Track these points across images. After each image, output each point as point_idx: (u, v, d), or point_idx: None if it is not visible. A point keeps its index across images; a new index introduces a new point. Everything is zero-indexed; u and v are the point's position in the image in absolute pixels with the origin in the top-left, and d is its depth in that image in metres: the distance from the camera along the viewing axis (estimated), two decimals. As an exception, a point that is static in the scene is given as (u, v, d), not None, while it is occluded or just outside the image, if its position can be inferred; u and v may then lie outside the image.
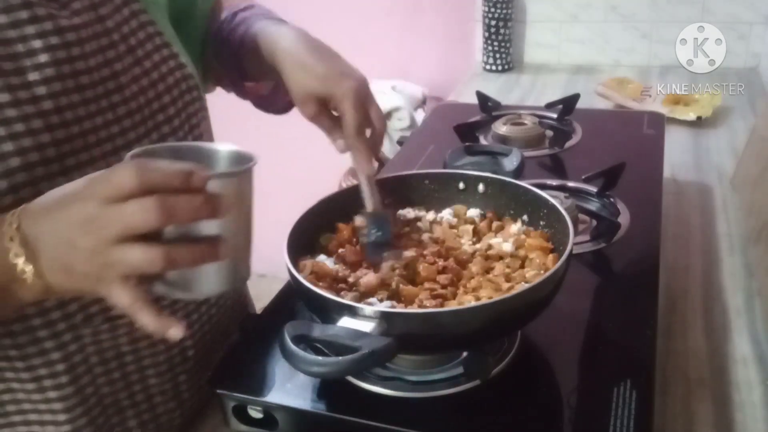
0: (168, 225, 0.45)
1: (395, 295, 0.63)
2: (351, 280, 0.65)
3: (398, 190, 0.77)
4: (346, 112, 0.66)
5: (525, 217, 0.72)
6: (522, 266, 0.67)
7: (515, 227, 0.71)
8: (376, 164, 0.71)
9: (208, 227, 0.47)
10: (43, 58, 0.56)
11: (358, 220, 0.70)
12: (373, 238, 0.68)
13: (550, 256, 0.66)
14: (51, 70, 0.57)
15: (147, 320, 0.47)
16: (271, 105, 0.86)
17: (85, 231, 0.45)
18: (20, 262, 0.47)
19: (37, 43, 0.56)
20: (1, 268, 0.48)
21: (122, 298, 0.47)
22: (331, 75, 0.67)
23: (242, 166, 0.50)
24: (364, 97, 0.67)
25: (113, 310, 0.62)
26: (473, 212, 0.75)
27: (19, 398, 0.63)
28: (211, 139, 0.78)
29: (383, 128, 0.69)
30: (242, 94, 0.86)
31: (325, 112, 0.69)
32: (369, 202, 0.70)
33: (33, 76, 0.56)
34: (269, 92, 0.84)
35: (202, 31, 0.82)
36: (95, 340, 0.64)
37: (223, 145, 0.54)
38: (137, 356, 0.67)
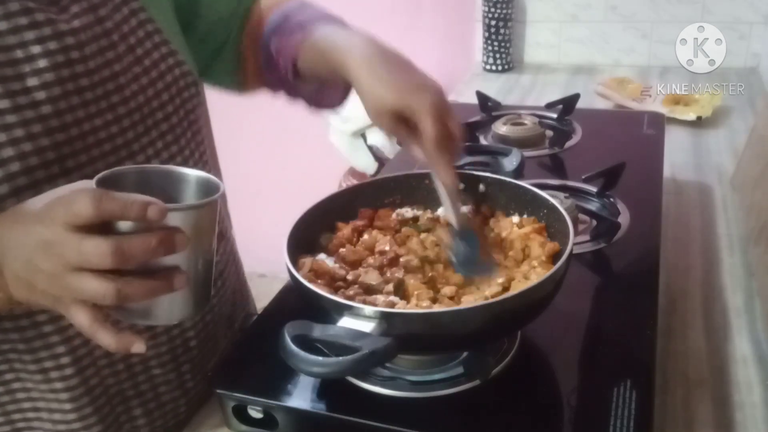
0: (123, 267, 0.45)
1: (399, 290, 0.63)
2: (350, 278, 0.65)
3: (398, 190, 0.77)
4: (426, 126, 0.63)
5: (525, 216, 0.72)
6: (523, 259, 0.67)
7: (511, 220, 0.71)
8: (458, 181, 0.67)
9: (168, 258, 0.47)
10: (42, 63, 0.57)
11: (442, 234, 0.68)
12: (462, 258, 0.66)
13: (549, 244, 0.66)
14: (50, 74, 0.57)
15: (106, 340, 0.48)
16: (320, 103, 0.84)
17: (45, 254, 0.46)
18: None
19: (36, 49, 0.56)
20: None
21: (80, 318, 0.48)
22: (407, 88, 0.64)
23: (208, 195, 0.50)
24: (442, 109, 0.64)
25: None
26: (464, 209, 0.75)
27: (28, 387, 0.65)
28: (209, 134, 0.77)
29: (463, 139, 0.67)
30: (293, 96, 0.84)
31: (401, 125, 0.65)
32: (454, 217, 0.67)
33: (32, 82, 0.56)
34: (316, 89, 0.82)
35: (224, 36, 0.80)
36: None
37: (192, 171, 0.53)
38: None
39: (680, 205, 1.04)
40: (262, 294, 0.86)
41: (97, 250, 0.44)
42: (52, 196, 0.48)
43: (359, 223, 0.73)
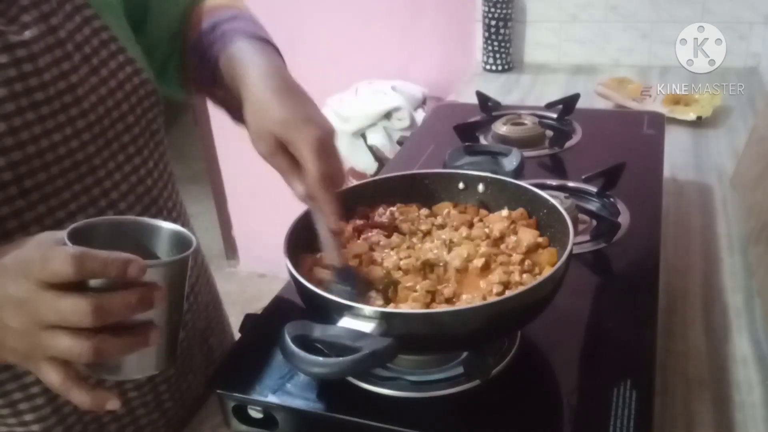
0: (100, 324, 0.44)
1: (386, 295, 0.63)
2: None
3: (398, 190, 0.77)
4: (308, 160, 0.58)
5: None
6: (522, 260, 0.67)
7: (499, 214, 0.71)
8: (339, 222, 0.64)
9: (141, 313, 0.47)
10: None
11: (321, 273, 0.65)
12: (342, 294, 0.60)
13: (540, 239, 0.67)
14: (2, 90, 0.55)
15: (80, 398, 0.47)
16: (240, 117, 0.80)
17: (15, 312, 0.45)
18: None
19: None
20: None
21: (51, 377, 0.46)
22: (293, 120, 0.59)
23: (181, 248, 0.50)
24: (327, 148, 0.60)
25: None
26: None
27: None
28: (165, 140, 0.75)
29: (343, 182, 0.63)
30: (218, 104, 0.80)
31: (282, 154, 0.61)
32: (333, 256, 0.64)
33: None
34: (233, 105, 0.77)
35: (172, 42, 0.77)
36: None
37: (164, 223, 0.53)
38: None
39: (680, 205, 1.04)
40: (262, 294, 0.86)
41: (77, 308, 0.43)
42: (19, 250, 0.46)
43: (359, 222, 0.73)
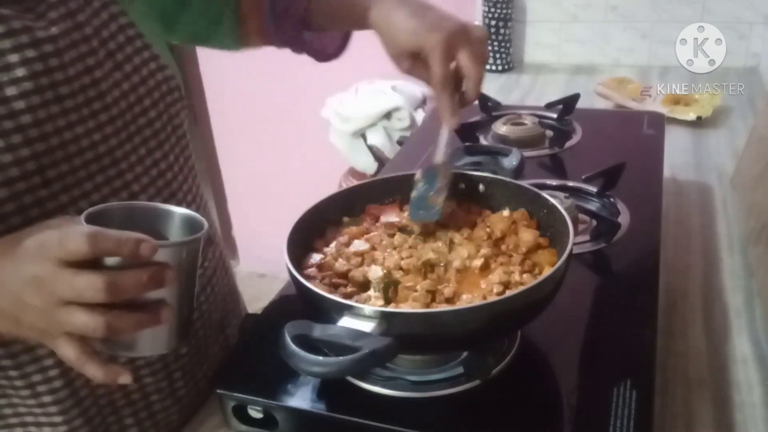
0: (114, 301, 0.46)
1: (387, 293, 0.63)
2: (356, 274, 0.65)
3: (398, 190, 0.77)
4: (432, 66, 0.67)
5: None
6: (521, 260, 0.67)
7: (501, 213, 0.72)
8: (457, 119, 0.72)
9: (154, 291, 0.49)
10: (20, 72, 0.56)
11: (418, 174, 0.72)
12: (416, 195, 0.71)
13: (540, 239, 0.67)
14: (29, 83, 0.56)
15: (94, 372, 0.49)
16: (321, 52, 0.86)
17: (34, 290, 0.47)
18: None
19: (14, 58, 0.56)
20: None
21: (67, 351, 0.49)
22: (420, 30, 0.67)
23: (193, 233, 0.52)
24: (453, 48, 0.67)
25: None
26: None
27: (14, 402, 0.64)
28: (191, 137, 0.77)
29: (479, 73, 0.68)
30: (299, 49, 0.86)
31: (418, 66, 0.69)
32: (438, 153, 0.72)
33: (10, 91, 0.55)
34: (315, 40, 0.84)
35: (220, 4, 0.81)
36: None
37: (177, 208, 0.55)
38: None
39: (680, 205, 1.04)
40: (262, 294, 0.86)
41: (91, 285, 0.45)
42: (38, 232, 0.48)
43: (366, 225, 0.73)
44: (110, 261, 0.47)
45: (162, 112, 0.68)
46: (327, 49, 0.86)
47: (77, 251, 0.45)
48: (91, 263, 0.46)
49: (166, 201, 0.69)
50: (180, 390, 0.74)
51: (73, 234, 0.46)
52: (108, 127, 0.62)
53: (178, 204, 0.70)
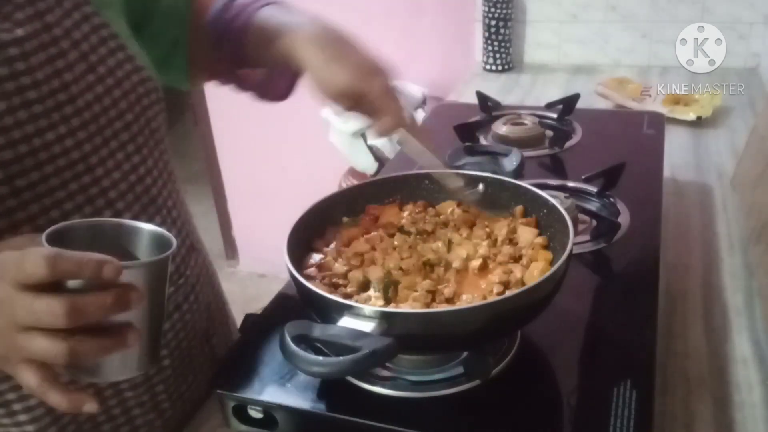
0: (75, 325, 0.44)
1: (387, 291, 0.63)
2: (356, 274, 0.65)
3: (398, 190, 0.77)
4: (389, 107, 0.67)
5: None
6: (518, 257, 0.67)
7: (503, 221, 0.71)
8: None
9: (119, 314, 0.46)
10: None
11: (453, 183, 0.73)
12: (473, 197, 0.73)
13: (539, 238, 0.67)
14: None
15: (57, 400, 0.46)
16: (268, 93, 0.82)
17: None
18: None
19: None
20: None
21: (28, 378, 0.46)
22: (361, 71, 0.66)
23: (163, 250, 0.49)
24: (392, 88, 0.67)
25: None
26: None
27: None
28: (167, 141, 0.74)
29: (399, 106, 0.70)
30: (241, 86, 0.82)
31: (361, 103, 0.68)
32: (437, 164, 0.72)
33: None
34: (263, 79, 0.81)
35: (180, 26, 0.77)
36: None
37: (145, 225, 0.53)
38: None
39: (680, 205, 1.04)
40: (262, 294, 0.85)
41: (50, 309, 0.43)
42: None
43: (365, 226, 0.73)
44: (72, 283, 0.45)
45: (139, 115, 0.65)
46: (272, 93, 0.82)
47: (35, 274, 0.43)
48: (52, 286, 0.44)
49: (145, 208, 0.67)
50: (163, 403, 0.72)
51: (31, 256, 0.43)
52: (81, 131, 0.60)
53: (158, 211, 0.69)
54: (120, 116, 0.63)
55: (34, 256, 0.43)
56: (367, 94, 0.66)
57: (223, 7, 0.76)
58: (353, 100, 0.67)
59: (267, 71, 0.80)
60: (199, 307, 0.77)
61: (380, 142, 1.81)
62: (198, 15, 0.78)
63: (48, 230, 0.47)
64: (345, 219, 0.74)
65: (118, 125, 0.63)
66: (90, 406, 0.47)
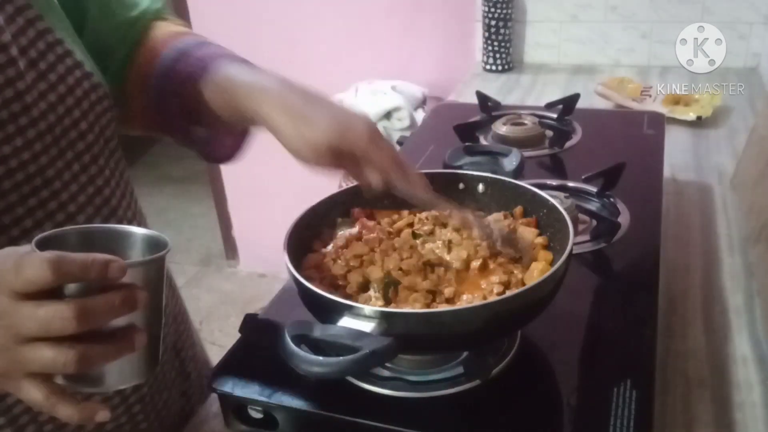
0: (87, 329, 0.42)
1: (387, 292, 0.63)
2: (355, 274, 0.65)
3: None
4: (373, 152, 0.60)
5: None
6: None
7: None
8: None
9: (123, 317, 0.45)
10: None
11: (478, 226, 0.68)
12: (501, 237, 0.67)
13: (539, 238, 0.67)
14: None
15: (68, 413, 0.44)
16: (213, 152, 0.75)
17: None
18: None
19: None
20: None
21: (33, 394, 0.44)
22: (340, 123, 0.60)
23: (156, 251, 0.48)
24: (378, 136, 0.61)
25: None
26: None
27: None
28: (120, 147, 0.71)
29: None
30: (184, 141, 0.74)
31: (344, 159, 0.61)
32: (477, 224, 0.67)
33: None
34: (207, 137, 0.73)
35: (122, 53, 0.71)
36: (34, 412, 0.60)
37: (137, 229, 0.51)
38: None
39: (680, 205, 1.04)
40: (262, 294, 0.85)
41: (59, 314, 0.41)
42: None
43: (358, 228, 0.73)
44: (70, 289, 0.43)
45: (93, 123, 0.62)
46: (217, 153, 0.75)
47: (38, 279, 0.41)
48: (50, 293, 0.42)
49: (105, 220, 0.64)
50: (141, 423, 0.70)
51: (31, 261, 0.41)
52: (37, 143, 0.56)
53: (119, 222, 0.66)
54: (75, 125, 0.60)
55: (35, 261, 0.41)
56: (348, 146, 0.60)
57: (175, 61, 0.68)
58: (334, 157, 0.60)
59: (212, 129, 0.72)
60: (167, 320, 0.75)
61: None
62: (145, 64, 0.70)
63: (36, 238, 0.45)
64: (339, 220, 0.74)
65: (73, 135, 0.60)
66: (102, 415, 0.46)
